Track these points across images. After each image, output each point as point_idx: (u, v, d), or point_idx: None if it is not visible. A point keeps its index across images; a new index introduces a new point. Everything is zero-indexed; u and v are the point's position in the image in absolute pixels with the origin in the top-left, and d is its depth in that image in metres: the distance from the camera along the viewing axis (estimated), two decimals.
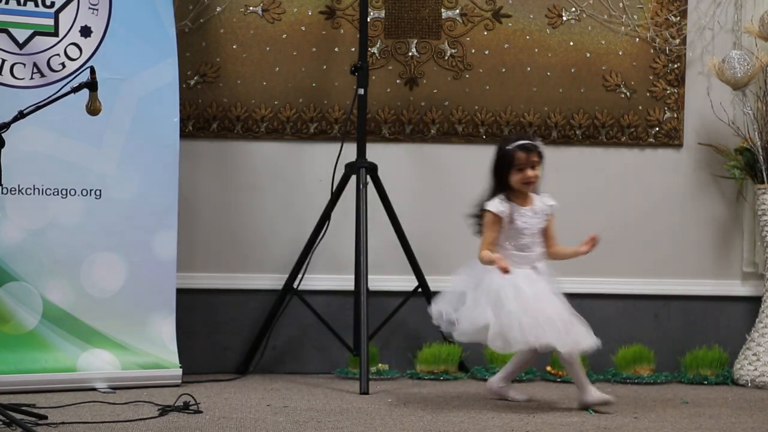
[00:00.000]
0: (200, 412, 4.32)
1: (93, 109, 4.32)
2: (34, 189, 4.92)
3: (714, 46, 5.81)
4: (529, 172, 4.56)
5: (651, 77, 5.79)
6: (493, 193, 4.62)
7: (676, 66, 5.79)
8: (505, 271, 4.42)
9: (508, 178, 4.59)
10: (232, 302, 5.61)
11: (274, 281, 5.55)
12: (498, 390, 4.83)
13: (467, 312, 4.52)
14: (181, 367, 5.07)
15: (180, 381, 5.04)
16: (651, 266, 5.80)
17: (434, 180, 5.77)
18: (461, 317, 4.53)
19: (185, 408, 4.33)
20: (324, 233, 5.42)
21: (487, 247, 4.57)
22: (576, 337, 4.48)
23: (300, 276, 5.42)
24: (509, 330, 4.42)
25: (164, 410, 4.29)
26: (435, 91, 5.75)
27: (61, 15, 5.01)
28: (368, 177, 5.30)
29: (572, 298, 5.71)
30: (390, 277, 5.58)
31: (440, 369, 5.48)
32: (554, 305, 4.49)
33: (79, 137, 4.96)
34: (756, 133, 5.59)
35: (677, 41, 5.79)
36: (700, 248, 5.82)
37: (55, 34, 5.00)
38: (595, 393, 4.57)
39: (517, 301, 4.44)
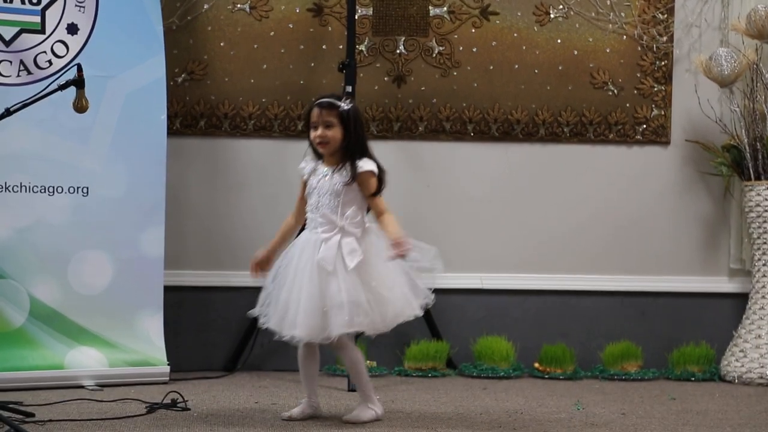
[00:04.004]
0: (188, 409, 4.31)
1: (80, 106, 4.32)
2: (21, 187, 4.91)
3: (701, 44, 5.82)
4: (320, 131, 4.10)
5: (638, 75, 5.80)
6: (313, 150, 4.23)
7: (663, 63, 5.80)
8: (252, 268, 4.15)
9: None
10: (219, 299, 5.60)
11: (262, 278, 5.53)
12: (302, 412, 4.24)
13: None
14: (168, 365, 5.07)
15: (168, 378, 5.03)
16: (638, 263, 5.81)
17: (422, 177, 5.77)
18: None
19: (173, 405, 4.32)
20: None
21: (295, 208, 4.24)
22: (326, 324, 3.98)
23: None
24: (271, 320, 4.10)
25: (152, 408, 4.28)
26: (423, 88, 5.75)
27: (47, 12, 5.00)
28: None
29: (560, 294, 5.77)
30: None
31: (428, 366, 5.49)
32: (303, 292, 4.01)
33: (66, 135, 4.95)
34: (743, 130, 5.60)
35: (664, 39, 5.80)
36: (688, 245, 5.84)
37: (42, 31, 4.99)
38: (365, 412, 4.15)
39: (275, 290, 4.10)
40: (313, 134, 4.13)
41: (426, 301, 4.15)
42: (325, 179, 4.11)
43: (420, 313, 4.17)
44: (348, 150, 4.12)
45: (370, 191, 4.11)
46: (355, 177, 4.08)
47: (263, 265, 4.19)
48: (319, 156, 4.18)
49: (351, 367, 4.19)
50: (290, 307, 4.02)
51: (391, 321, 4.13)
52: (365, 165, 4.11)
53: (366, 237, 4.11)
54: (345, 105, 4.14)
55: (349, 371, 4.25)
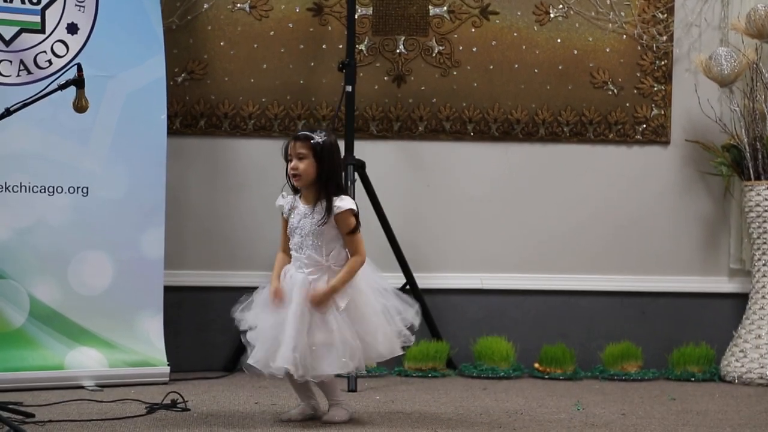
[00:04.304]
0: (188, 410, 4.31)
1: (80, 106, 4.32)
2: (21, 187, 4.90)
3: (701, 43, 5.82)
4: (293, 163, 4.04)
5: (638, 74, 5.79)
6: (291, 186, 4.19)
7: (663, 63, 5.80)
8: (274, 296, 4.07)
9: None
10: (219, 300, 5.57)
11: (262, 279, 5.51)
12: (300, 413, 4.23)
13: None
14: (168, 365, 5.07)
15: (168, 379, 5.03)
16: (638, 263, 5.81)
17: (422, 177, 5.77)
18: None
19: (173, 406, 4.32)
20: None
21: (281, 244, 4.19)
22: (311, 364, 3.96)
23: None
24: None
25: (152, 408, 4.28)
26: (423, 88, 5.75)
27: (47, 12, 5.00)
28: (356, 174, 5.29)
29: (560, 295, 5.77)
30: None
31: (428, 366, 5.49)
32: (290, 329, 3.97)
33: (66, 135, 4.95)
34: (743, 130, 5.60)
35: (664, 38, 5.79)
36: (688, 245, 5.84)
37: (42, 31, 4.99)
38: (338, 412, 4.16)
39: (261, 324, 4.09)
40: (287, 167, 4.08)
41: (406, 342, 4.13)
42: (306, 219, 4.06)
43: (400, 352, 4.16)
44: (322, 184, 4.04)
45: (348, 229, 4.04)
46: (331, 216, 4.02)
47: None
48: (296, 190, 4.12)
49: (326, 387, 4.15)
50: (278, 343, 3.97)
51: (375, 359, 4.17)
52: (343, 204, 4.03)
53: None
54: (319, 138, 4.03)
55: (324, 390, 4.16)
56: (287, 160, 4.08)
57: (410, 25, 5.76)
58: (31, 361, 4.84)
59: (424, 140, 5.77)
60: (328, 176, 4.05)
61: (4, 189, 4.88)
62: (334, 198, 4.03)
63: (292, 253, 4.10)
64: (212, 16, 5.69)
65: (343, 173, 4.61)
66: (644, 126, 5.80)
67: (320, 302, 3.99)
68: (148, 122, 5.11)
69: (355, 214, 4.07)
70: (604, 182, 5.82)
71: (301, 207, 4.08)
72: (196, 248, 5.66)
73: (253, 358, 4.05)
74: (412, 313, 4.16)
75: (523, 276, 5.76)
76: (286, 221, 4.14)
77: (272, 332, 4.00)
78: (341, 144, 5.32)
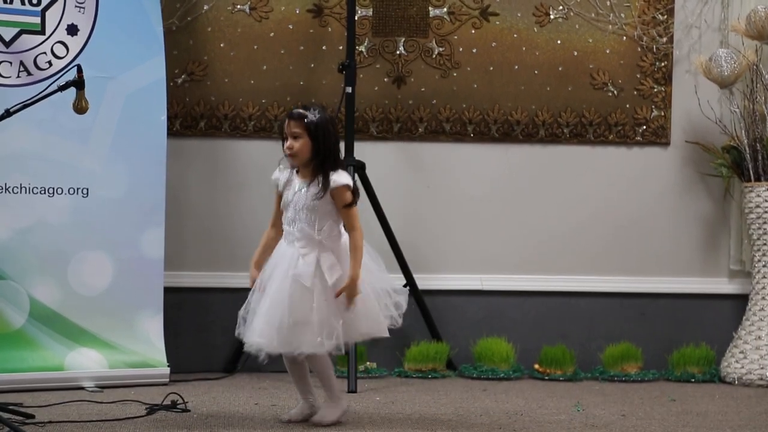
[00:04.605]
0: (188, 410, 4.31)
1: (80, 107, 4.32)
2: (21, 188, 4.91)
3: (701, 45, 5.82)
4: (288, 142, 4.04)
5: (638, 75, 5.79)
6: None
7: (663, 64, 5.80)
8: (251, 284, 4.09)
9: None
10: (219, 301, 5.59)
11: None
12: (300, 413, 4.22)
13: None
14: (168, 366, 5.07)
15: (168, 380, 5.03)
16: (638, 264, 5.81)
17: (422, 178, 5.77)
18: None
19: (173, 407, 4.32)
20: None
21: (272, 219, 4.17)
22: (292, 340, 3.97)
23: None
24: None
25: (152, 409, 4.28)
26: (423, 89, 5.75)
27: (47, 13, 5.00)
28: (356, 175, 5.29)
29: (560, 295, 5.77)
30: None
31: (428, 367, 5.49)
32: (269, 302, 3.99)
33: (66, 136, 4.95)
34: (743, 131, 5.60)
35: (664, 40, 5.80)
36: (688, 246, 5.84)
37: (42, 32, 4.99)
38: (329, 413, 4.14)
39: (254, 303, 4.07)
40: (284, 145, 4.07)
41: (393, 322, 4.13)
42: (301, 193, 4.05)
43: (386, 334, 4.15)
44: (319, 161, 4.04)
45: (343, 203, 4.04)
46: (327, 190, 4.02)
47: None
48: (294, 165, 4.13)
49: (320, 374, 4.14)
50: (256, 316, 3.99)
51: (357, 338, 4.16)
52: (339, 179, 4.03)
53: (343, 251, 4.06)
54: (312, 115, 4.03)
55: (319, 377, 4.17)
56: (283, 139, 4.08)
57: (410, 27, 5.76)
58: (31, 362, 4.84)
59: (424, 141, 5.77)
60: (325, 153, 4.04)
61: (4, 190, 4.88)
62: (331, 173, 4.02)
63: (285, 227, 4.09)
64: (212, 18, 5.70)
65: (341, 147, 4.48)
66: (644, 127, 5.80)
67: (350, 295, 3.98)
68: (148, 123, 5.11)
69: (352, 190, 4.07)
70: (604, 183, 5.82)
71: (297, 182, 4.08)
72: (196, 248, 5.67)
73: (241, 334, 4.06)
74: (403, 297, 4.16)
75: (523, 277, 5.77)
76: (280, 196, 4.13)
77: (254, 308, 4.02)
78: (341, 145, 5.36)
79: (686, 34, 5.83)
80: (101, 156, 5.02)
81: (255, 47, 5.71)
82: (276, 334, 3.95)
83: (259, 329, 3.97)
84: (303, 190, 4.05)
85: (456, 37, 5.76)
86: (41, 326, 4.89)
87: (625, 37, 5.79)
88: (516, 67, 5.77)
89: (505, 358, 5.50)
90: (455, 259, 5.76)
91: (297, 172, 4.11)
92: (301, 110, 4.06)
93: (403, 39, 5.76)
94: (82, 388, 4.83)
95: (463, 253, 5.77)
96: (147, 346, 5.06)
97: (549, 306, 5.77)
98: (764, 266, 5.53)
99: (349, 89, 5.34)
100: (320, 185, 4.02)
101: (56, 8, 5.01)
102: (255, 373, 5.46)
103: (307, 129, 4.02)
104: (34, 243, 4.90)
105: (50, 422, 4.01)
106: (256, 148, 5.70)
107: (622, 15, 5.79)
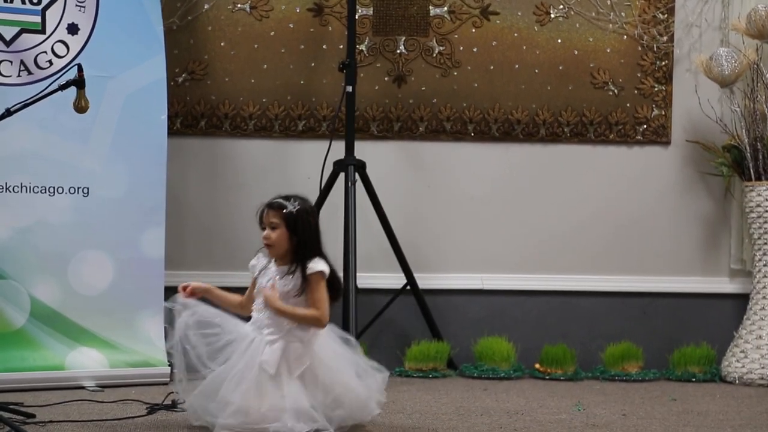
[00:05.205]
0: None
1: (80, 106, 4.32)
2: (21, 187, 4.90)
3: (701, 44, 5.82)
4: (265, 233, 3.93)
5: (639, 74, 5.79)
6: None
7: (663, 63, 5.80)
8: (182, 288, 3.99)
9: None
10: None
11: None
12: None
13: None
14: (169, 365, 5.06)
15: (168, 379, 5.02)
16: (639, 263, 5.81)
17: (422, 177, 5.77)
18: None
19: (173, 406, 4.32)
20: None
21: (245, 297, 4.07)
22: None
23: None
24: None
25: (152, 409, 4.28)
26: (423, 88, 5.75)
27: (48, 12, 5.00)
28: (357, 174, 5.29)
29: (561, 295, 5.77)
30: (379, 275, 5.58)
31: (429, 366, 5.48)
32: (238, 387, 3.84)
33: (67, 135, 4.95)
34: (743, 130, 5.60)
35: (665, 38, 5.79)
36: (688, 245, 5.84)
37: (42, 31, 4.98)
38: None
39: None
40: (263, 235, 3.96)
41: (380, 399, 4.02)
42: (270, 279, 3.93)
43: (377, 413, 4.02)
44: (297, 253, 3.91)
45: (314, 290, 3.89)
46: (305, 287, 3.89)
47: (193, 293, 4.02)
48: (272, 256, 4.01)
49: None
50: (223, 395, 3.82)
51: (341, 421, 3.93)
52: (316, 266, 3.90)
53: (314, 339, 3.93)
54: (291, 206, 3.90)
55: None
56: (262, 228, 3.97)
57: (411, 26, 5.76)
58: (32, 361, 4.84)
59: (425, 140, 5.77)
60: (303, 245, 3.92)
61: (4, 189, 4.88)
62: (308, 261, 3.90)
63: (254, 313, 3.97)
64: (213, 17, 5.70)
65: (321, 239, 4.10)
66: (645, 126, 5.80)
67: (271, 302, 3.87)
68: (148, 122, 5.11)
69: (327, 278, 3.93)
70: (605, 183, 5.82)
71: (273, 269, 3.97)
72: (197, 248, 5.67)
73: (193, 400, 3.92)
74: (383, 377, 4.03)
75: (523, 276, 5.77)
76: (254, 282, 4.02)
77: (216, 382, 3.85)
78: (341, 144, 5.36)
79: (687, 33, 5.83)
80: (101, 155, 5.02)
81: (255, 46, 5.71)
82: (251, 421, 3.79)
83: (232, 413, 3.78)
84: (277, 278, 3.94)
85: (456, 36, 5.76)
86: (42, 326, 4.89)
87: (625, 36, 5.79)
88: (516, 66, 5.77)
89: (506, 357, 5.50)
90: (456, 258, 5.76)
91: (274, 259, 3.99)
92: (280, 200, 3.94)
93: (403, 38, 5.75)
94: (83, 388, 4.83)
95: (463, 252, 5.77)
96: (147, 345, 5.05)
97: (550, 305, 5.77)
98: (765, 265, 5.52)
99: (349, 88, 5.34)
100: (297, 278, 3.90)
101: (57, 7, 5.01)
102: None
103: (285, 220, 3.90)
104: (35, 242, 4.90)
105: (51, 422, 4.01)
106: (257, 148, 5.70)
107: (623, 14, 5.79)
